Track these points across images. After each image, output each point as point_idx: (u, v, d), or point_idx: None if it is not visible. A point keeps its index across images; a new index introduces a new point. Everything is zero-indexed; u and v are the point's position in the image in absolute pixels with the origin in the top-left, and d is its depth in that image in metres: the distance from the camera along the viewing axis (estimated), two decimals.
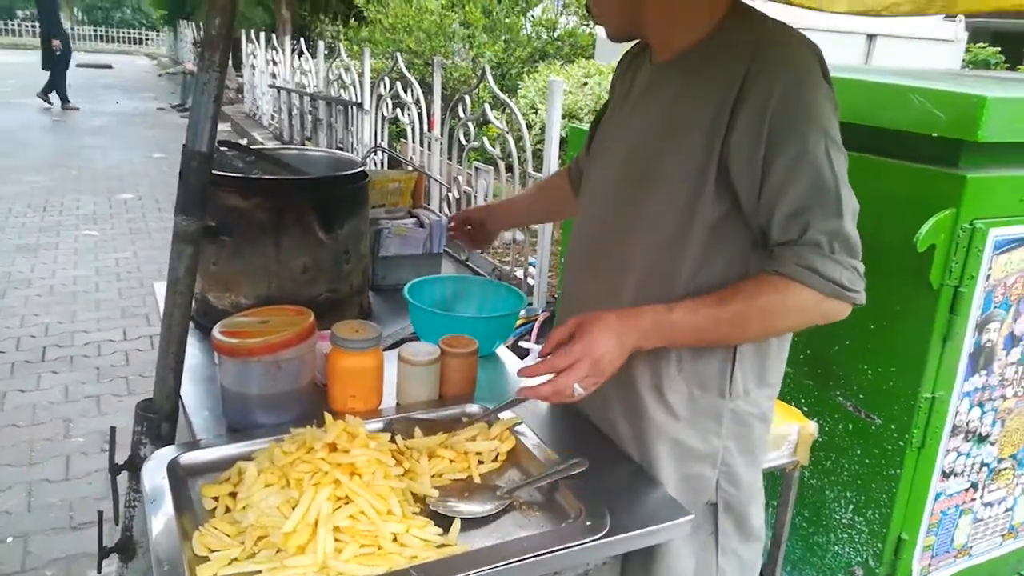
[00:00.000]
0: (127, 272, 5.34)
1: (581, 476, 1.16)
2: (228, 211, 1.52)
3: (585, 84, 5.18)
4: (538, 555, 0.98)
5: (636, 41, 1.41)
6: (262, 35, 11.12)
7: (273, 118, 10.51)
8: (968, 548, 2.22)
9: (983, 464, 2.14)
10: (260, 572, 0.94)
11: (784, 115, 1.09)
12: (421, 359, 1.35)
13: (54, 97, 13.49)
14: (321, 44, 8.18)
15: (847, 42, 6.38)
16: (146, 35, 35.89)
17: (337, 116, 7.29)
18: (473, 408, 1.35)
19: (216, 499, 1.08)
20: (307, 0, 15.17)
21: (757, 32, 1.16)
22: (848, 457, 2.11)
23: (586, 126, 3.75)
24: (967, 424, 2.05)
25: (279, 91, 9.82)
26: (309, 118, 8.38)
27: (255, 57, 11.68)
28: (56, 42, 13.09)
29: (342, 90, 7.23)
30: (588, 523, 1.05)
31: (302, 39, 8.92)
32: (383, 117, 6.14)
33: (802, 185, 1.09)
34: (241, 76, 14.20)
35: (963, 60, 8.99)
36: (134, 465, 1.35)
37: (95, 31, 35.84)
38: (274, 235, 1.55)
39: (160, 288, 1.89)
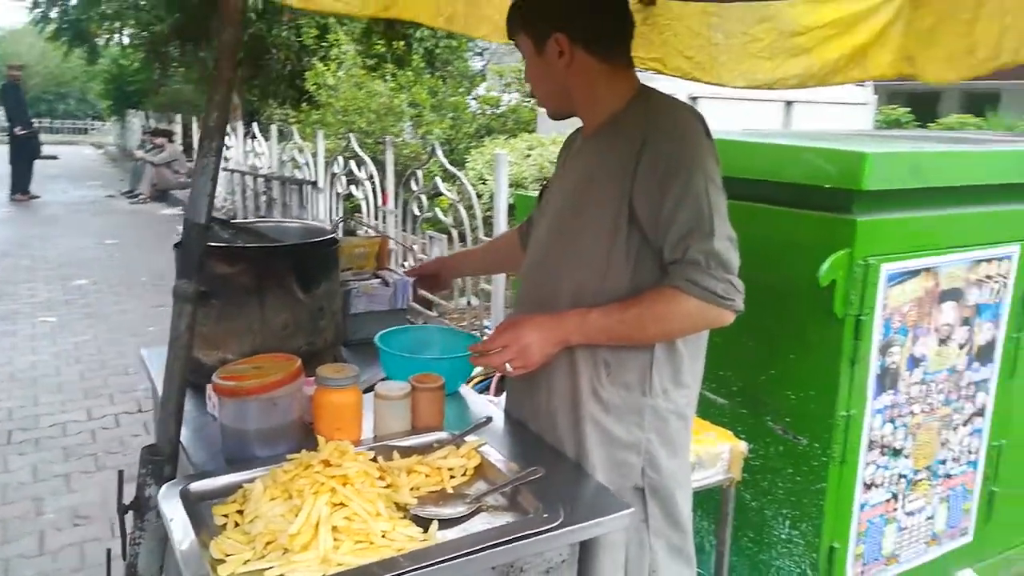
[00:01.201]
0: (88, 355, 5.40)
1: (538, 482, 1.36)
2: (216, 277, 1.71)
3: (528, 156, 5.54)
4: (504, 541, 1.18)
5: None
6: None
7: (226, 200, 10.69)
8: (896, 556, 2.44)
9: (901, 476, 2.39)
10: (272, 568, 1.12)
11: (671, 166, 1.40)
12: (395, 394, 1.55)
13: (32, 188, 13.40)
14: (274, 127, 8.46)
15: (767, 108, 6.92)
16: (91, 125, 35.93)
17: (291, 195, 7.52)
18: (443, 435, 1.54)
19: (225, 516, 1.26)
20: (256, 87, 15.55)
21: (652, 107, 1.49)
22: (782, 476, 2.34)
23: (532, 193, 4.08)
24: (882, 439, 2.30)
25: (232, 173, 10.03)
26: (263, 198, 8.60)
27: None
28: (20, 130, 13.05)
29: (296, 170, 7.49)
30: (545, 515, 1.25)
31: (255, 124, 9.20)
32: (337, 194, 6.39)
33: (684, 216, 1.39)
34: (191, 161, 14.40)
35: (876, 120, 9.70)
36: (139, 505, 1.50)
37: (39, 123, 35.77)
38: (258, 296, 1.75)
39: (147, 353, 2.07)
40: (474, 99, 8.39)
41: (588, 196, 1.51)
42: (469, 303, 4.44)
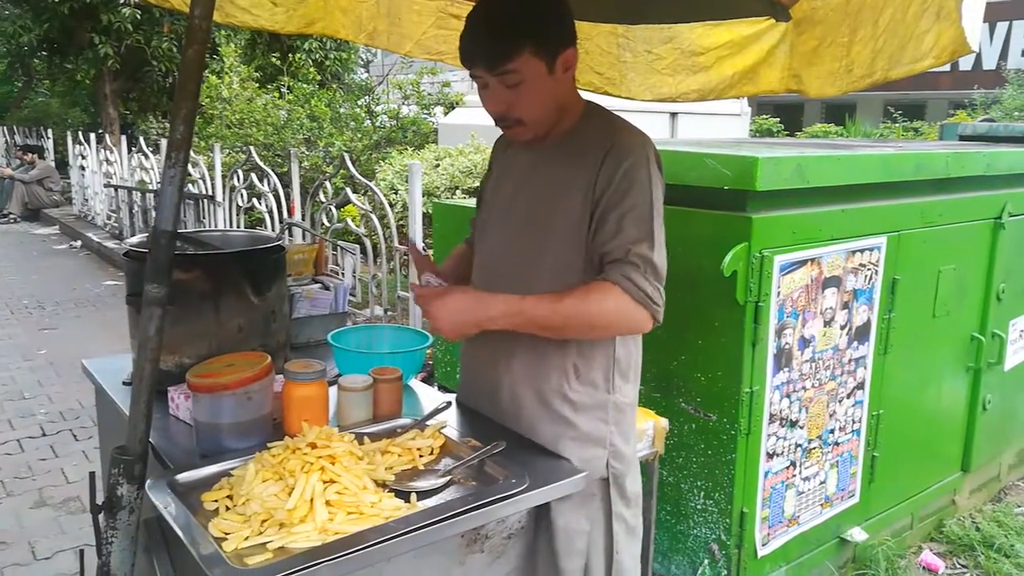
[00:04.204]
0: None
1: (501, 454, 1.51)
2: (173, 283, 1.77)
3: (438, 166, 5.68)
4: (483, 503, 1.32)
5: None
6: (92, 136, 10.89)
7: (110, 217, 10.25)
8: (796, 517, 2.73)
9: (797, 445, 2.67)
10: (272, 541, 1.22)
11: (621, 183, 1.54)
12: (358, 386, 1.67)
13: None
14: (164, 142, 8.23)
15: (655, 120, 7.35)
16: None
17: (186, 210, 7.34)
18: (405, 421, 1.67)
19: (216, 502, 1.34)
20: (133, 100, 14.94)
21: (611, 127, 1.62)
22: (695, 451, 2.58)
23: (447, 202, 4.20)
24: (780, 412, 2.58)
25: (116, 190, 9.64)
26: (153, 213, 8.32)
27: (84, 158, 11.38)
28: None
29: (190, 184, 7.32)
30: (513, 481, 1.40)
31: (142, 138, 8.90)
32: (238, 207, 6.32)
33: (632, 231, 1.53)
34: (65, 178, 13.69)
35: (750, 130, 10.43)
36: (111, 505, 1.55)
37: None
38: (213, 301, 1.82)
39: (91, 364, 2.08)
40: (370, 113, 8.44)
41: (557, 205, 1.60)
42: (386, 312, 4.52)
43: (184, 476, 1.41)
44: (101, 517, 1.55)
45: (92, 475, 1.56)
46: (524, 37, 1.49)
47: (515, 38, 1.49)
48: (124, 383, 1.96)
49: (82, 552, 1.56)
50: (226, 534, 1.24)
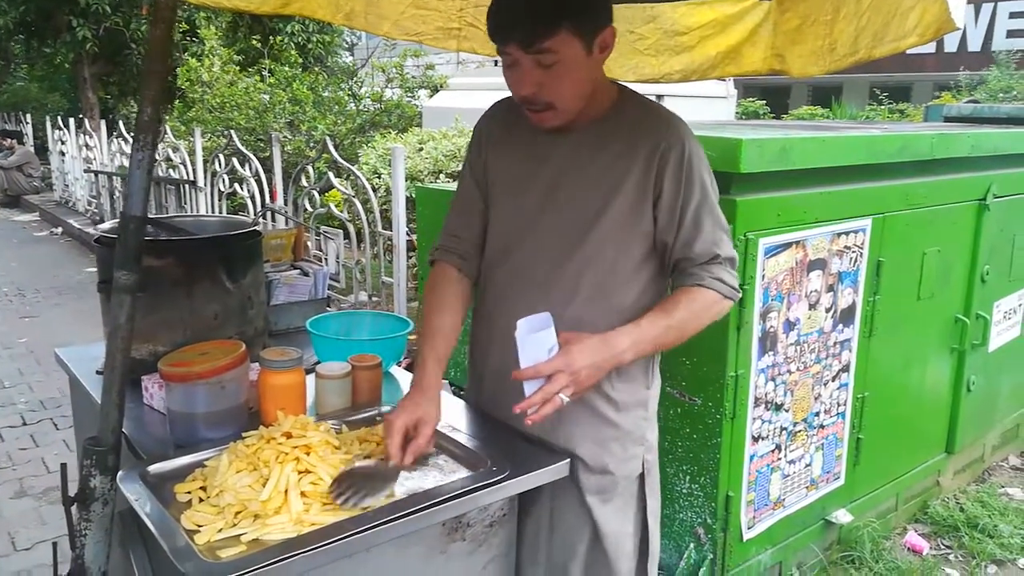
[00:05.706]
0: None
1: (483, 442, 1.49)
2: (145, 270, 1.73)
3: (421, 149, 5.63)
4: (464, 492, 1.30)
5: (491, 110, 1.73)
6: (72, 120, 10.73)
7: (91, 203, 10.12)
8: (782, 500, 2.73)
9: (782, 428, 2.67)
10: (246, 533, 1.19)
11: (689, 179, 1.50)
12: (336, 373, 1.64)
13: None
14: None
15: None
16: None
17: (168, 195, 7.25)
18: (385, 408, 1.64)
19: (188, 493, 1.31)
20: (113, 84, 14.74)
21: (654, 115, 1.56)
22: (680, 436, 2.56)
23: (431, 186, 4.11)
24: (765, 396, 2.57)
25: (97, 175, 9.51)
26: None
27: (63, 143, 11.23)
28: None
29: (171, 170, 7.23)
30: (494, 468, 1.38)
31: (121, 123, 8.78)
32: (220, 192, 6.24)
33: (709, 223, 1.52)
34: (45, 163, 13.52)
35: (736, 112, 10.42)
36: (84, 497, 1.52)
37: None
38: (187, 288, 1.78)
39: (65, 353, 2.04)
40: (353, 96, 8.35)
41: (610, 198, 1.51)
42: (371, 297, 4.49)
43: (156, 467, 1.38)
44: (74, 509, 1.52)
45: (64, 466, 1.52)
46: (564, 13, 1.38)
47: (554, 13, 1.38)
48: (98, 372, 1.92)
49: (55, 545, 1.53)
50: (199, 526, 1.21)
